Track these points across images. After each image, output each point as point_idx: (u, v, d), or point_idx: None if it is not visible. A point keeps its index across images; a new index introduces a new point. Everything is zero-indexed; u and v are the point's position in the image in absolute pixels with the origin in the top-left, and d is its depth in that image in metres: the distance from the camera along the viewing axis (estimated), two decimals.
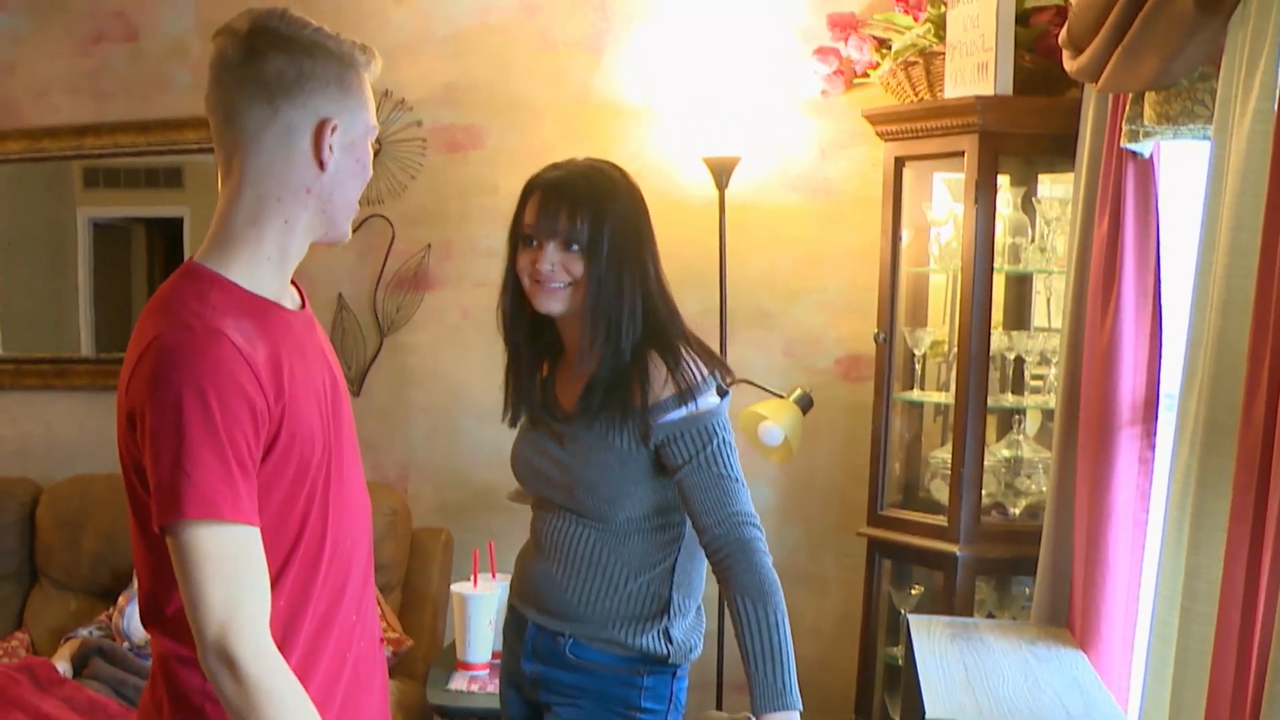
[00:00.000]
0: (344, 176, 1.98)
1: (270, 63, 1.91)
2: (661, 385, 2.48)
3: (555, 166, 2.59)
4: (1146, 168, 2.92)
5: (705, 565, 2.60)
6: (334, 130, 1.94)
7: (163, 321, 1.86)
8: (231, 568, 1.80)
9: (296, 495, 1.94)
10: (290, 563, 1.94)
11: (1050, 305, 3.84)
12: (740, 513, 2.47)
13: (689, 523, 2.54)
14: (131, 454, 1.89)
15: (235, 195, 1.96)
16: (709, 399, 2.49)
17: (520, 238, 2.56)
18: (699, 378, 2.49)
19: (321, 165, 1.94)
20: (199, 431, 1.78)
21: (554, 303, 2.52)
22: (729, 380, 2.57)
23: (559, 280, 2.50)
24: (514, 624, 2.74)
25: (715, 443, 2.47)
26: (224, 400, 1.80)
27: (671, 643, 2.57)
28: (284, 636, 1.93)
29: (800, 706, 2.41)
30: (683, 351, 2.52)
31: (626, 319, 2.50)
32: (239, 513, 1.81)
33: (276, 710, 1.80)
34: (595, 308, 2.50)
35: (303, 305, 2.09)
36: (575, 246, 2.49)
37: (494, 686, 3.36)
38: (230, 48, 1.94)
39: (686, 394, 2.47)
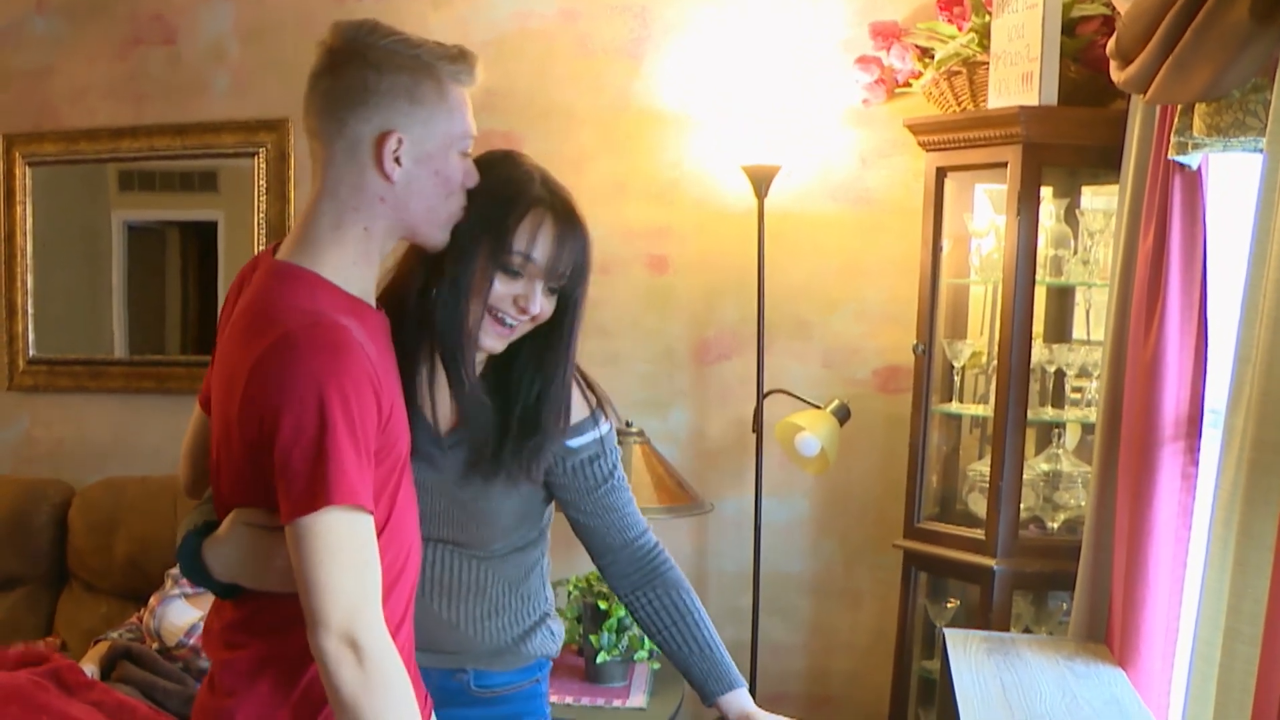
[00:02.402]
0: (419, 187, 1.99)
1: (340, 78, 1.96)
2: (580, 407, 2.36)
3: (542, 181, 2.24)
4: (1194, 180, 2.88)
5: None
6: (399, 143, 1.95)
7: (283, 319, 1.90)
8: (363, 555, 1.86)
9: (384, 487, 1.98)
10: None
11: (1090, 318, 3.80)
12: (642, 519, 2.48)
13: (545, 533, 2.48)
14: (245, 447, 1.92)
15: (317, 201, 2.00)
16: (605, 421, 2.43)
17: (503, 264, 2.17)
18: (593, 400, 2.41)
19: (387, 177, 1.96)
20: (340, 423, 1.83)
21: (504, 343, 2.24)
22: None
23: (524, 322, 2.22)
24: None
25: (619, 463, 2.44)
26: (358, 393, 1.86)
27: (554, 636, 2.50)
28: None
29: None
30: (580, 381, 2.40)
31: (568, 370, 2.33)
32: (370, 502, 1.87)
33: (393, 696, 1.84)
34: (562, 356, 2.29)
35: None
36: (556, 289, 2.23)
37: None
38: (318, 61, 2.00)
39: (598, 413, 2.40)
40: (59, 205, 5.00)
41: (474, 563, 2.37)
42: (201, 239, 5.00)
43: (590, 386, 2.41)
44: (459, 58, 2.03)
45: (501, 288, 2.17)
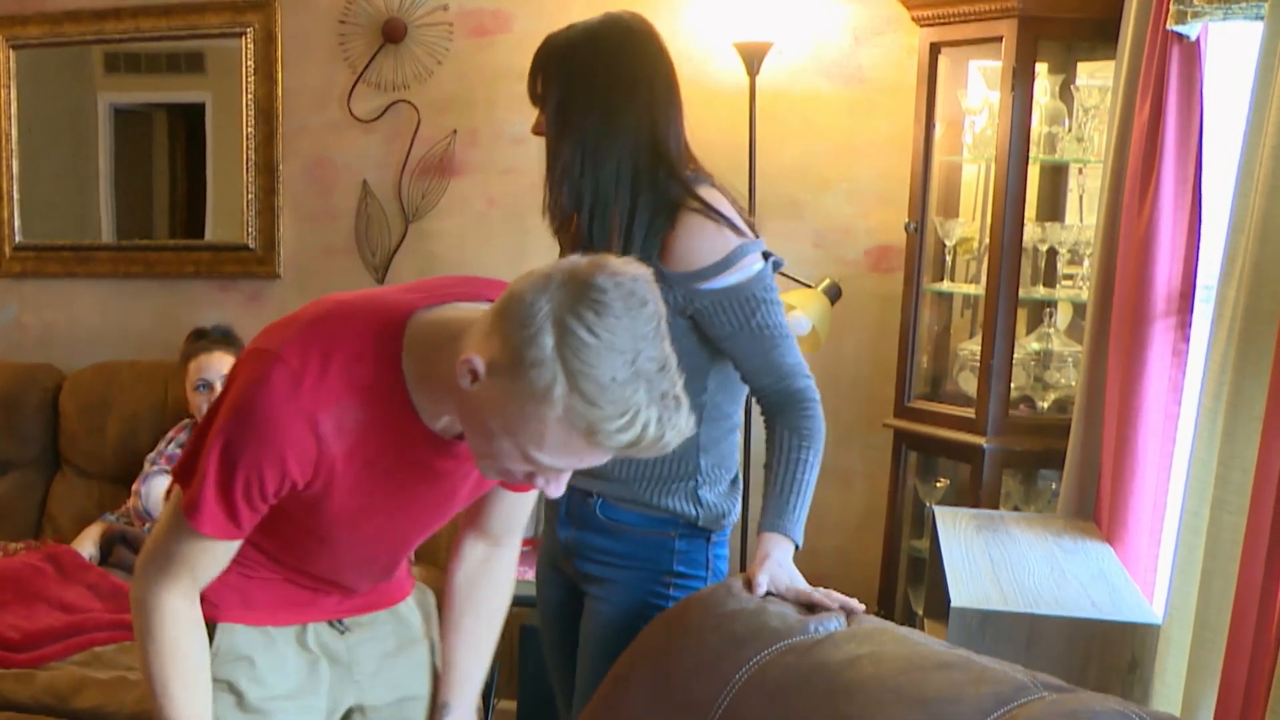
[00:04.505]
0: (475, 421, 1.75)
1: (523, 305, 1.65)
2: (711, 250, 2.36)
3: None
4: (1192, 51, 2.85)
5: (738, 440, 2.59)
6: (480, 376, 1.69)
7: (300, 342, 1.83)
8: (193, 556, 1.95)
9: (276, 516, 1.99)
10: None
11: (1084, 204, 3.78)
12: (793, 365, 2.45)
13: (713, 393, 2.50)
14: None
15: (476, 317, 1.77)
16: (750, 265, 2.38)
17: None
18: (735, 243, 2.36)
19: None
20: (219, 477, 1.85)
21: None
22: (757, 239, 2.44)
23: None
24: None
25: (763, 308, 2.39)
26: (261, 469, 1.83)
27: (701, 505, 2.52)
28: None
29: (800, 543, 2.43)
30: (711, 214, 2.37)
31: (588, 183, 2.40)
32: (220, 533, 1.91)
33: (163, 653, 1.97)
34: (552, 171, 2.44)
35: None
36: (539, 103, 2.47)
37: (530, 571, 3.27)
38: (566, 268, 1.67)
39: (734, 257, 2.36)
40: (44, 89, 4.95)
41: None
42: (189, 121, 4.95)
43: (735, 230, 2.38)
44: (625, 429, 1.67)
45: None
